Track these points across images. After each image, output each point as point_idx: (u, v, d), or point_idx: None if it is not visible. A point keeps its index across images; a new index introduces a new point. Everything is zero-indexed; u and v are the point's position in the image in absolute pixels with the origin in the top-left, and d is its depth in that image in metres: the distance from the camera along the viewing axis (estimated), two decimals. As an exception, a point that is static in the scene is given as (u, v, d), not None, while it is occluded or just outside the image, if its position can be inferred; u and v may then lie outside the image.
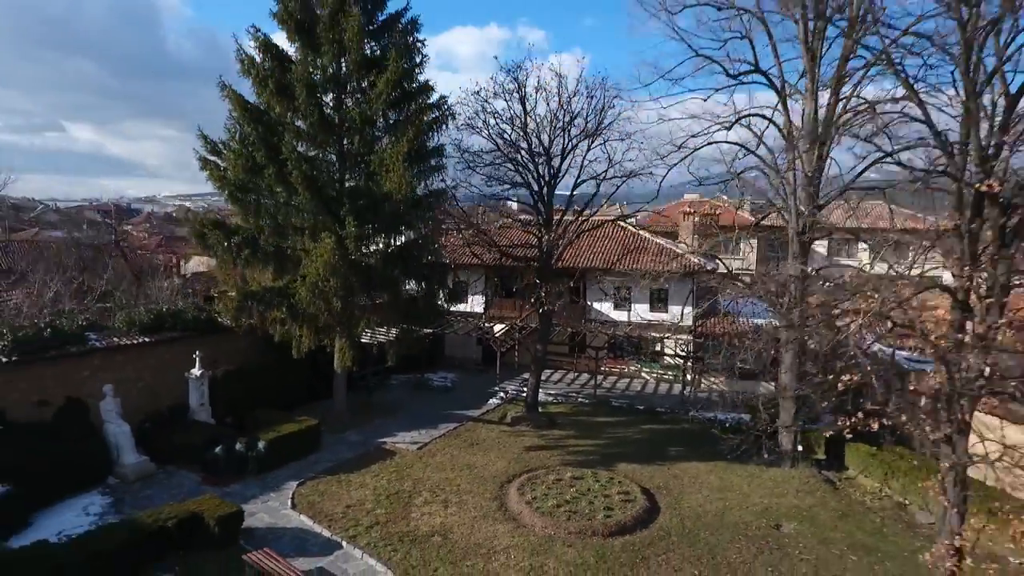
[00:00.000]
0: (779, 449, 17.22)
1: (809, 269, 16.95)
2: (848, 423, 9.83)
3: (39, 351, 14.95)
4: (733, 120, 17.60)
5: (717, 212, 29.83)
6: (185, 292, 31.03)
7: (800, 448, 17.75)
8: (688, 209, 29.75)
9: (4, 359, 14.26)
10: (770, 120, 17.78)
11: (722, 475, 16.53)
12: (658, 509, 14.51)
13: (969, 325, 10.19)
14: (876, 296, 9.78)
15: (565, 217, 20.95)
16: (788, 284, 15.91)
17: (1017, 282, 10.62)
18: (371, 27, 17.51)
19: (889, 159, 12.59)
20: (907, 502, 15.24)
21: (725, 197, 29.84)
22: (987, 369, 8.98)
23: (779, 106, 17.50)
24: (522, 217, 25.14)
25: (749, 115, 17.74)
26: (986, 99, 10.39)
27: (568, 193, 20.80)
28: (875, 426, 9.70)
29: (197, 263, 48.34)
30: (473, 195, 21.20)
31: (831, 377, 10.59)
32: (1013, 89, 10.32)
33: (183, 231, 48.14)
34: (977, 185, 9.77)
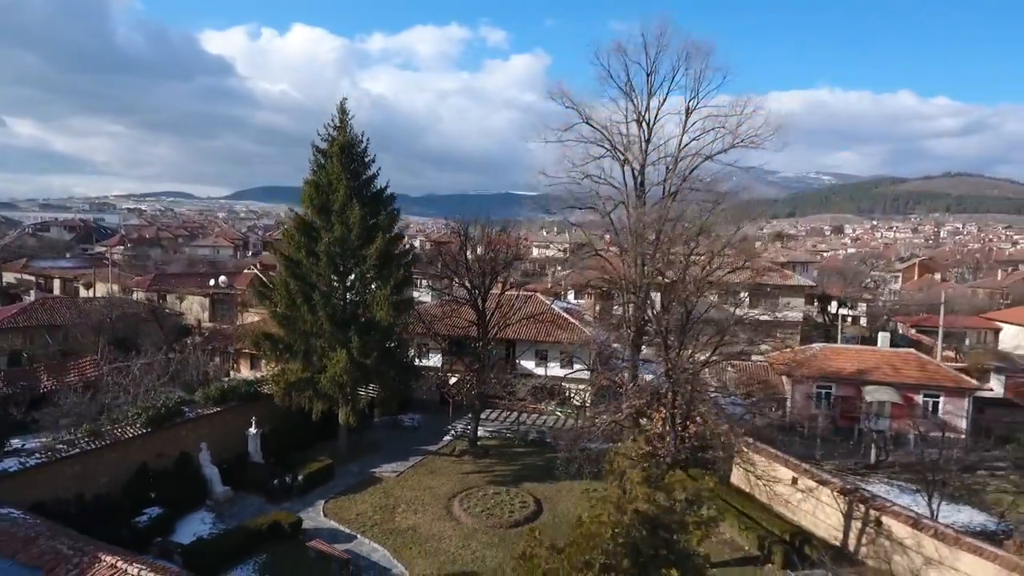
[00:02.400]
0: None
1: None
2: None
3: (161, 423, 24.10)
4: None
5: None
6: (207, 348, 40.00)
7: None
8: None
9: (144, 430, 23.41)
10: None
11: (586, 488, 26.64)
12: (542, 511, 24.49)
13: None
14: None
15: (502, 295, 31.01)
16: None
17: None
18: (366, 194, 27.03)
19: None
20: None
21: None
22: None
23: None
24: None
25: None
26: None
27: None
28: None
29: (197, 307, 56.76)
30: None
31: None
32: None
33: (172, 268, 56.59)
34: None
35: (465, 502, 24.69)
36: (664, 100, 24.85)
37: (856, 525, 21.64)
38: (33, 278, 77.30)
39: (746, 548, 21.93)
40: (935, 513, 22.51)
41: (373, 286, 26.03)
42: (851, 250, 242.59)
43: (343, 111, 26.58)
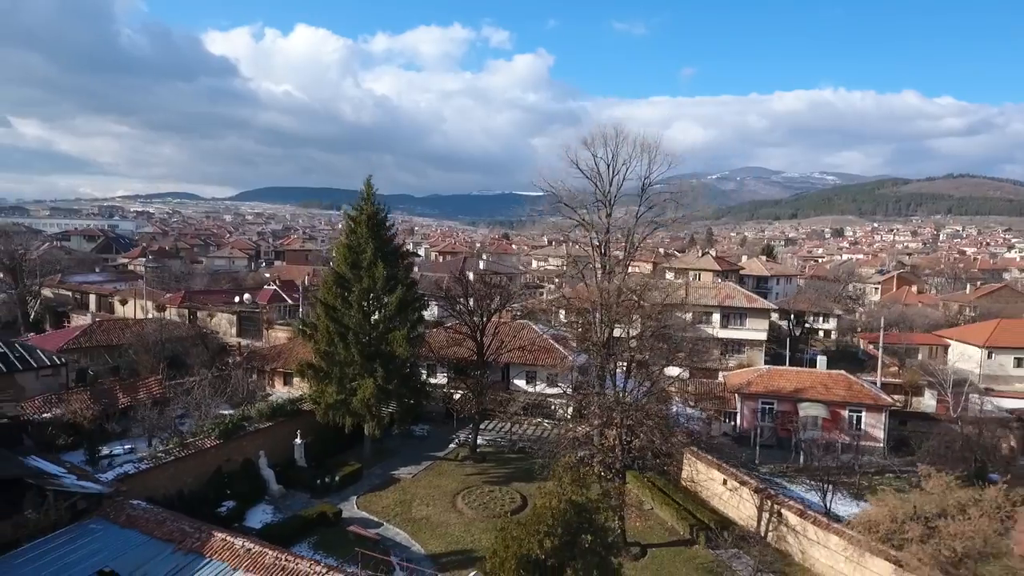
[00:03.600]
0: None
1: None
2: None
3: (229, 435, 30.91)
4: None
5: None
6: (246, 367, 46.78)
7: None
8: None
9: (217, 441, 30.24)
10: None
11: (539, 486, 33.31)
12: (526, 504, 31.14)
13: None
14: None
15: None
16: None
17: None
18: (387, 252, 33.76)
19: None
20: (644, 501, 32.28)
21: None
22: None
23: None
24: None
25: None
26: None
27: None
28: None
29: (226, 323, 63.41)
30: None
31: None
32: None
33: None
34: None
35: (466, 498, 31.41)
36: (623, 182, 31.48)
37: (764, 515, 28.32)
38: (69, 293, 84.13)
39: (681, 533, 28.64)
40: (828, 506, 29.22)
41: (393, 326, 32.82)
42: (845, 256, 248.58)
43: (368, 186, 33.43)
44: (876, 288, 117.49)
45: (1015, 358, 58.04)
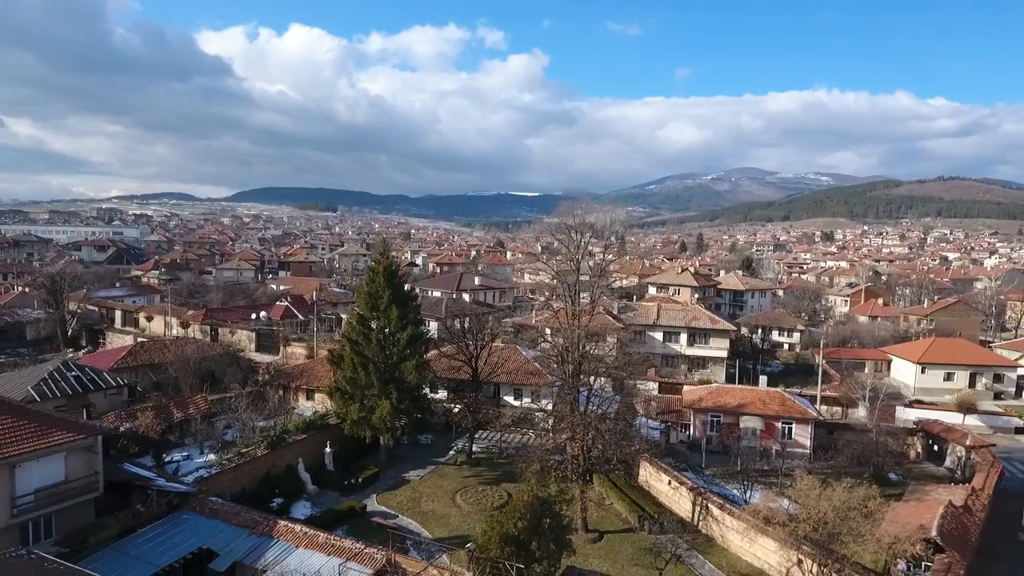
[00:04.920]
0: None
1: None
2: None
3: (274, 445, 38.71)
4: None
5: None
6: (274, 384, 54.47)
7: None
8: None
9: (266, 450, 38.04)
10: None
11: (516, 485, 41.20)
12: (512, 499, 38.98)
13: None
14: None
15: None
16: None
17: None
18: (400, 297, 41.58)
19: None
20: (605, 497, 40.20)
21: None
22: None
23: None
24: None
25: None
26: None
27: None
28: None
29: (245, 339, 70.87)
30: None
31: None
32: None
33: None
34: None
35: (464, 495, 39.26)
36: (588, 244, 39.43)
37: (696, 508, 36.29)
38: (96, 309, 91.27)
39: (631, 522, 36.56)
40: (748, 500, 37.21)
41: (404, 357, 40.72)
42: (829, 263, 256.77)
43: (385, 245, 41.27)
44: (846, 300, 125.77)
45: (945, 373, 66.19)
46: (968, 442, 44.78)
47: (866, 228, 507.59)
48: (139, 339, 67.45)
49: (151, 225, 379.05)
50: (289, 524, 29.81)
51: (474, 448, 46.03)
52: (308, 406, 51.58)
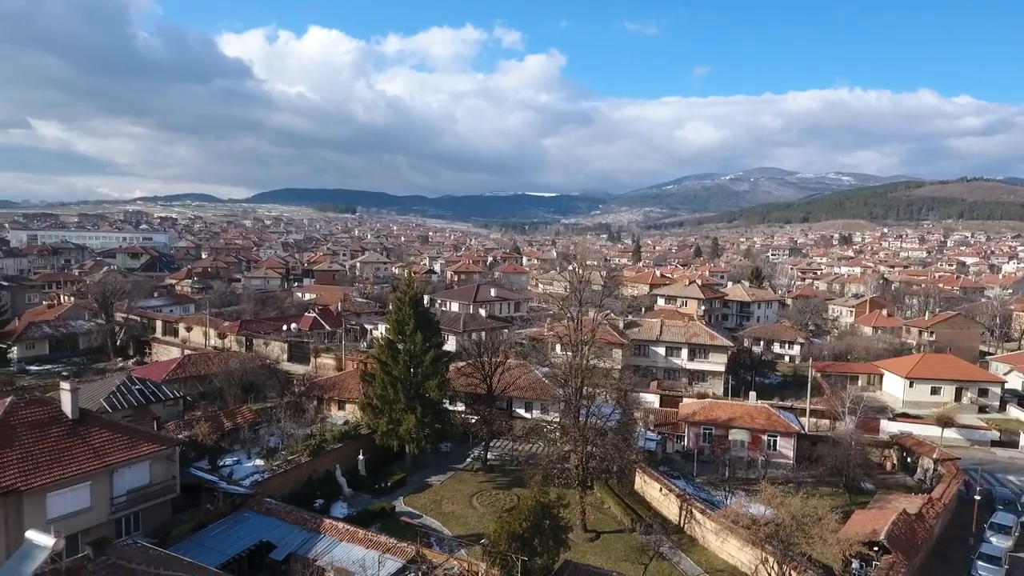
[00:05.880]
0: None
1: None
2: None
3: (316, 452, 44.56)
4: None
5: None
6: (310, 395, 60.40)
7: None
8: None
9: (308, 457, 43.89)
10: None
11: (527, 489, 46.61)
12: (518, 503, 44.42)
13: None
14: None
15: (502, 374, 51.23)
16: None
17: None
18: (424, 322, 47.20)
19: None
20: (604, 502, 45.50)
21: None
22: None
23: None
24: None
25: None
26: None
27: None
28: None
29: (278, 350, 76.83)
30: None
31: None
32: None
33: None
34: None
35: (480, 499, 44.78)
36: (587, 288, 45.15)
37: (683, 512, 41.45)
38: (138, 319, 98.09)
39: (625, 524, 41.81)
40: (728, 504, 42.27)
41: (428, 375, 46.38)
42: (843, 269, 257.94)
43: (411, 275, 46.91)
44: (851, 311, 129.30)
45: (931, 387, 70.38)
46: (935, 455, 49.28)
47: (886, 231, 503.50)
48: (185, 351, 73.89)
49: (177, 229, 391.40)
50: (332, 522, 35.55)
51: (489, 456, 51.52)
52: (340, 416, 57.46)
